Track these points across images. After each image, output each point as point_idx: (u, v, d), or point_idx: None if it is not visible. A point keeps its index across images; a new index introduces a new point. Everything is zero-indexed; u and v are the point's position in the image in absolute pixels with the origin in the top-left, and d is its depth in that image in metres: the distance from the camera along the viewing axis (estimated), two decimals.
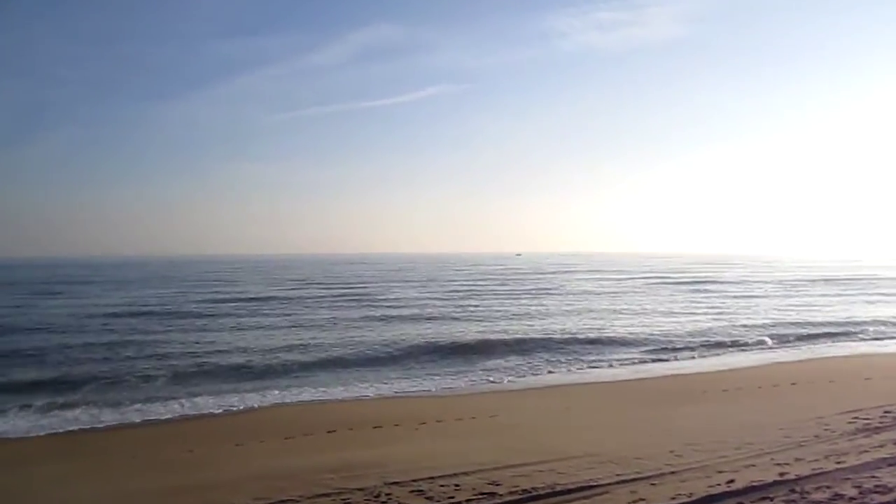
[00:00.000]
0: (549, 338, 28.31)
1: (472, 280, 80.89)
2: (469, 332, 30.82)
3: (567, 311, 39.95)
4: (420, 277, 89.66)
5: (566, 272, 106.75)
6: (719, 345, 27.34)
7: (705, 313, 38.73)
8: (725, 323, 33.70)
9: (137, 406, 17.14)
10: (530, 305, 43.79)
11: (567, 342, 27.36)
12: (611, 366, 23.19)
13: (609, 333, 29.63)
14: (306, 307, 43.56)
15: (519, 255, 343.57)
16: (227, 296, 53.60)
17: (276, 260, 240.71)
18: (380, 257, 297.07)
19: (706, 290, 57.87)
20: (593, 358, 24.51)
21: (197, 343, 27.59)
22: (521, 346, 26.17)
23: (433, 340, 27.66)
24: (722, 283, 69.89)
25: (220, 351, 25.57)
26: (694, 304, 44.60)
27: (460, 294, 55.34)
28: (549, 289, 61.59)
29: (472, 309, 41.59)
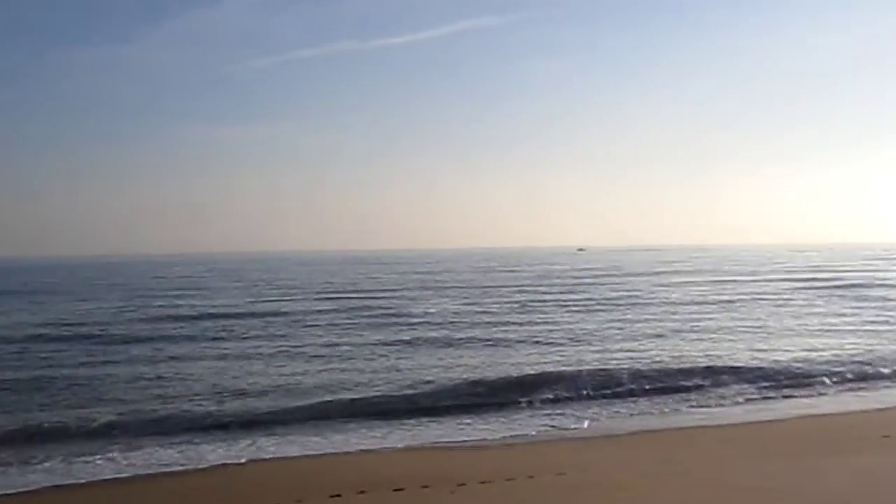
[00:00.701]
0: (636, 367, 27.85)
1: (527, 285, 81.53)
2: (525, 360, 30.46)
3: (661, 329, 39.42)
4: (457, 282, 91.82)
5: (654, 273, 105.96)
6: (877, 376, 26.82)
7: (858, 330, 38.07)
8: (887, 345, 33.04)
9: (50, 465, 16.88)
10: (609, 322, 43.52)
11: (661, 373, 26.86)
12: (722, 404, 22.77)
13: (720, 360, 29.10)
14: (302, 327, 43.54)
15: (581, 250, 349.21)
16: (191, 311, 53.82)
17: (266, 259, 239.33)
18: (401, 255, 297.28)
19: (862, 297, 57.18)
20: (698, 395, 24.09)
21: (146, 379, 27.44)
22: (598, 380, 25.68)
23: (475, 373, 27.31)
24: (890, 285, 68.55)
25: (176, 390, 25.38)
26: (842, 318, 43.94)
27: (512, 305, 55.47)
28: (633, 297, 61.36)
29: (527, 327, 41.42)
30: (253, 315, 50.15)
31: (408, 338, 37.51)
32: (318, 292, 73.89)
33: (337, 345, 35.27)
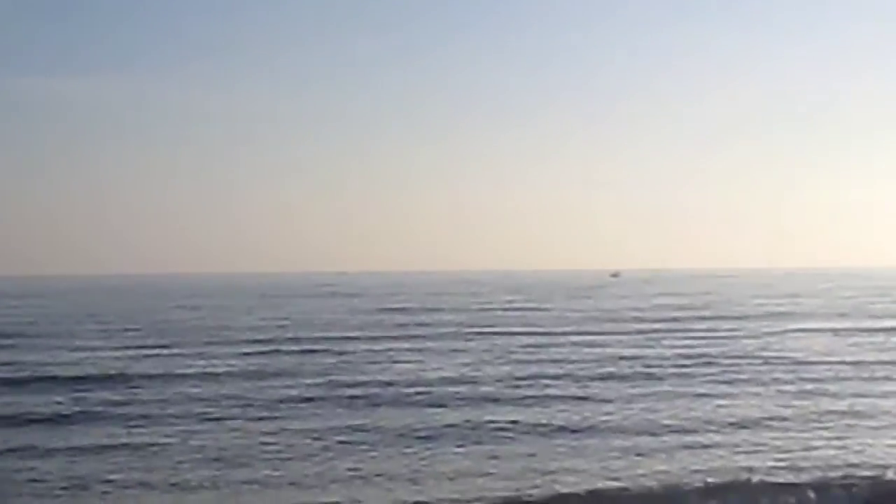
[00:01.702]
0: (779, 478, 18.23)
1: (554, 327, 60.94)
2: (567, 469, 19.32)
3: (806, 411, 26.72)
4: (445, 323, 66.77)
5: (762, 315, 75.13)
6: None
7: None
8: None
9: None
10: (712, 400, 29.22)
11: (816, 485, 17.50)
12: None
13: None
14: (183, 403, 28.83)
15: (616, 275, 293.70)
16: None
17: (140, 282, 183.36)
18: (342, 279, 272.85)
19: None
20: None
21: None
22: None
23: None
24: None
25: None
26: None
27: (534, 364, 39.32)
28: (740, 354, 42.90)
29: (564, 408, 27.65)
30: (108, 379, 35.00)
31: (354, 423, 24.84)
32: (215, 338, 53.33)
33: (244, 437, 22.00)
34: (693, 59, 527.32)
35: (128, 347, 48.54)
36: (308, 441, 22.79)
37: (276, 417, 26.39)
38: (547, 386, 32.65)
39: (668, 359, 41.21)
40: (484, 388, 32.21)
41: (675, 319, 70.41)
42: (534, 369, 37.50)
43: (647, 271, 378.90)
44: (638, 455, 20.83)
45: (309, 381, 34.27)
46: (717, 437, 22.76)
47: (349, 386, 32.68)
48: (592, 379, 34.46)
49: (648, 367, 38.18)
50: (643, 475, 18.54)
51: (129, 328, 63.87)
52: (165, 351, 46.51)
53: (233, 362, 40.78)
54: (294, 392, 31.26)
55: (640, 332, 57.72)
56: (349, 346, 48.36)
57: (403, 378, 34.85)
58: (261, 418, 26.28)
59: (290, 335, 55.81)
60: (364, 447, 22.06)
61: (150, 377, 35.54)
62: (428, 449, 21.85)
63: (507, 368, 38.11)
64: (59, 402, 29.22)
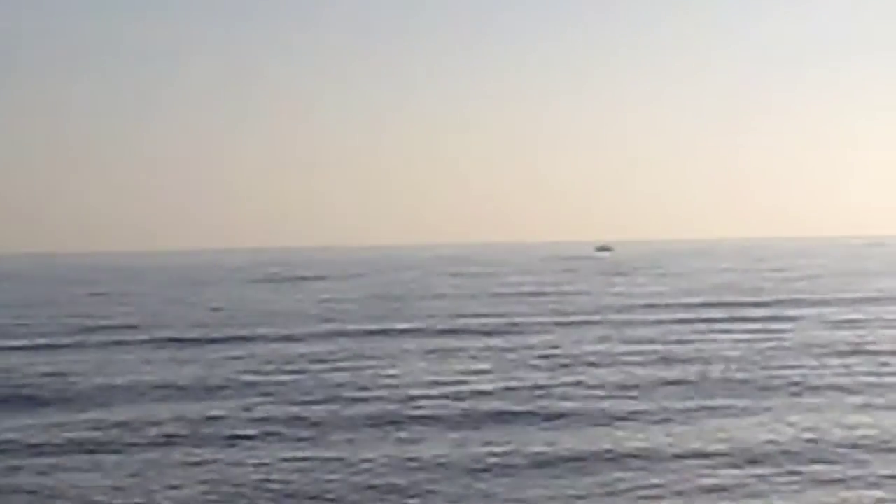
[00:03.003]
0: None
1: (570, 323, 44.05)
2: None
3: None
4: (418, 313, 51.54)
5: (852, 301, 55.16)
6: None
7: None
8: None
9: None
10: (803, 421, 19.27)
11: None
12: None
13: None
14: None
15: (604, 249, 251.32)
16: None
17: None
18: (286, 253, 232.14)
19: None
20: None
21: None
22: None
23: None
24: None
25: None
26: None
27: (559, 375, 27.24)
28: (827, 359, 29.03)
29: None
30: None
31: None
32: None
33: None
34: None
35: None
36: None
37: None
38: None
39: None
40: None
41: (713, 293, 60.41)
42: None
43: (641, 243, 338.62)
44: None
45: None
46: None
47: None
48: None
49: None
50: None
51: None
52: None
53: None
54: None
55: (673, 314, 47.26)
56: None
57: None
58: None
59: None
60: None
61: None
62: None
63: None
64: None
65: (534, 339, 36.72)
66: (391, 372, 28.07)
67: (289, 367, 29.54)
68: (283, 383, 26.23)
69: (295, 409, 21.77)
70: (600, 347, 33.36)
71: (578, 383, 24.98)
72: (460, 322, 44.94)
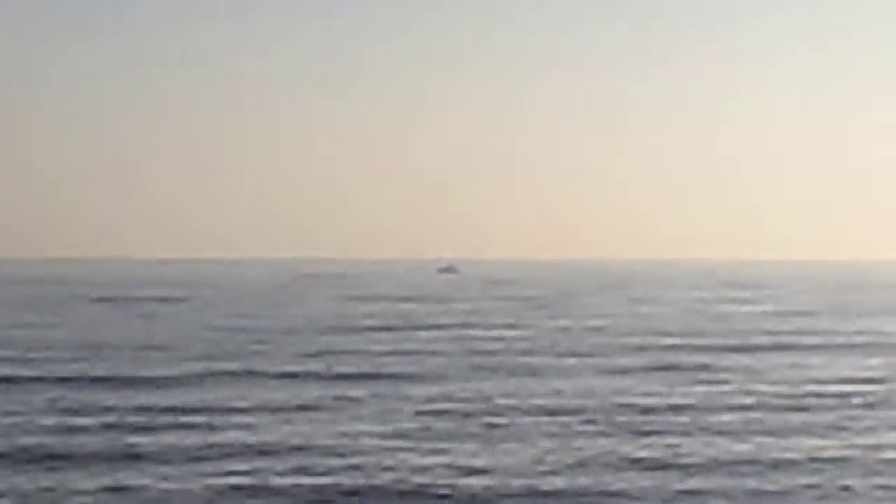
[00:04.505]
0: None
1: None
2: None
3: None
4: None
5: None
6: None
7: None
8: None
9: None
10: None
11: None
12: None
13: None
14: None
15: (447, 269, 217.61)
16: None
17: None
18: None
19: None
20: None
21: None
22: None
23: None
24: None
25: None
26: None
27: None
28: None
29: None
30: None
31: None
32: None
33: None
34: None
35: None
36: None
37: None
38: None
39: None
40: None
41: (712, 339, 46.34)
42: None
43: (486, 262, 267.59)
44: None
45: None
46: None
47: None
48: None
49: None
50: None
51: None
52: None
53: None
54: None
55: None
56: None
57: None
58: None
59: None
60: None
61: None
62: None
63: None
64: None
65: None
66: None
67: None
68: None
69: None
70: None
71: None
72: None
